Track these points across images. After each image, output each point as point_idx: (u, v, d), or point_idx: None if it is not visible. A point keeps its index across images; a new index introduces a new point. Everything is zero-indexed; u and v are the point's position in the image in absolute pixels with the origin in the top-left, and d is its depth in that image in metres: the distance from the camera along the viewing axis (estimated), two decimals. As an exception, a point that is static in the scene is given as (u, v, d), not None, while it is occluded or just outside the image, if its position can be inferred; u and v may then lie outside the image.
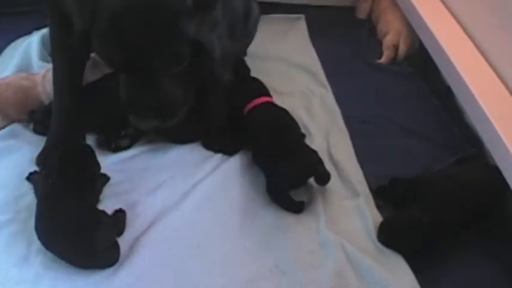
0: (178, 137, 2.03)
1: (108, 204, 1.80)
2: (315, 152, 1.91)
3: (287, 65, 2.49)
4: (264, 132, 1.99)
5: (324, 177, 1.87)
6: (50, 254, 1.63)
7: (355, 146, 2.08)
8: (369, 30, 2.87)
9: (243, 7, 1.58)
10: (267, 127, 2.00)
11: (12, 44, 2.50)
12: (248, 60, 2.38)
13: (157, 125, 1.67)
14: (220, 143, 2.04)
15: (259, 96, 2.10)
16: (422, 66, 2.57)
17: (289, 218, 1.80)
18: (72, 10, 1.57)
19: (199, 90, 1.94)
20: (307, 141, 2.06)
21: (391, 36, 2.67)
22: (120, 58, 1.52)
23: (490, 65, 2.06)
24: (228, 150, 2.02)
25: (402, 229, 1.73)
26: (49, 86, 2.02)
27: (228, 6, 1.53)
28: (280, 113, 2.07)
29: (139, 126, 1.70)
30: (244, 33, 1.63)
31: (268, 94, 2.14)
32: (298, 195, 1.86)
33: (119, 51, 1.50)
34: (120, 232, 1.70)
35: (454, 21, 2.34)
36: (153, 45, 1.49)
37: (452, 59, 2.10)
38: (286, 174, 1.84)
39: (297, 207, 1.83)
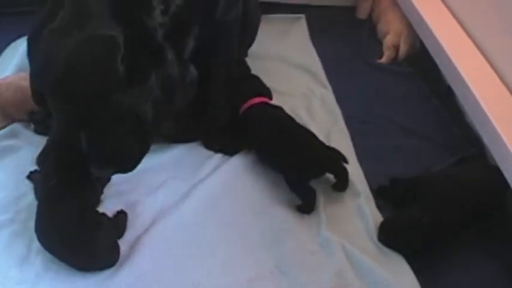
0: (178, 137, 2.02)
1: (108, 204, 1.80)
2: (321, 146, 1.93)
3: (287, 65, 2.49)
4: (264, 131, 2.00)
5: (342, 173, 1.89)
6: (50, 255, 1.63)
7: (355, 146, 2.08)
8: (369, 30, 2.87)
9: (179, 71, 1.57)
10: (266, 127, 2.00)
11: (13, 44, 2.49)
12: (248, 60, 2.39)
13: (115, 172, 1.69)
14: (221, 143, 2.04)
15: (255, 96, 2.09)
16: (422, 66, 2.57)
17: (290, 218, 1.80)
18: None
19: (200, 89, 1.96)
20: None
21: (391, 36, 2.67)
22: (63, 116, 1.53)
23: (491, 64, 2.05)
24: (228, 151, 2.02)
25: (402, 229, 1.74)
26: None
27: (164, 74, 1.52)
28: (276, 111, 2.06)
29: (99, 175, 1.71)
30: (182, 94, 1.63)
31: (267, 93, 2.13)
32: (296, 199, 1.87)
33: (61, 110, 1.52)
34: (121, 234, 1.70)
35: (454, 21, 2.34)
36: (91, 111, 1.49)
37: (453, 59, 2.10)
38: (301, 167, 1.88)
39: (312, 196, 1.85)
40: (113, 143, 1.54)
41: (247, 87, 2.14)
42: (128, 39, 1.43)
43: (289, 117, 2.04)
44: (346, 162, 1.89)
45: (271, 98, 2.13)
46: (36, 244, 1.64)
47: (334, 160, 1.89)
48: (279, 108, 2.07)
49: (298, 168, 1.88)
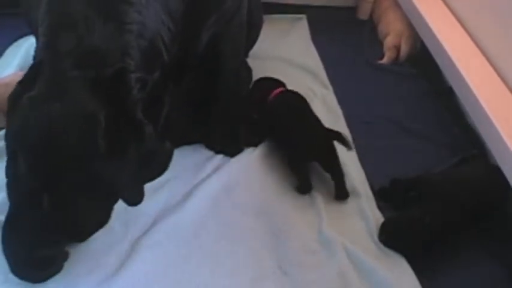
0: (180, 138, 2.03)
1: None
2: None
3: (288, 65, 2.49)
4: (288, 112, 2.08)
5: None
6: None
7: (356, 146, 2.07)
8: (370, 30, 2.88)
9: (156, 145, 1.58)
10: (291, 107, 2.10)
11: (15, 44, 2.50)
12: (249, 60, 2.39)
13: (66, 240, 1.64)
14: (222, 144, 2.05)
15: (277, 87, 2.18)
16: (424, 67, 2.57)
17: (291, 218, 1.81)
18: None
19: (204, 90, 2.00)
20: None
21: (392, 37, 2.67)
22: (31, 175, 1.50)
23: (492, 65, 2.06)
24: (228, 152, 2.03)
25: (403, 229, 1.74)
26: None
27: (143, 148, 1.52)
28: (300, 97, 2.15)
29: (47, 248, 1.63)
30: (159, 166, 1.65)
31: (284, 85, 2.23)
32: (300, 197, 1.90)
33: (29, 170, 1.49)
34: None
35: (455, 22, 2.35)
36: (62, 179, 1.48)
37: (454, 59, 2.10)
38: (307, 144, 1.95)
39: (309, 183, 1.92)
40: (74, 213, 1.53)
41: (267, 83, 2.22)
42: (107, 115, 1.43)
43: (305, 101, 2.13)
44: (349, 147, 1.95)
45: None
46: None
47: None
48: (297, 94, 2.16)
49: (303, 146, 1.95)
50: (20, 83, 1.55)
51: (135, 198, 1.60)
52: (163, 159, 1.66)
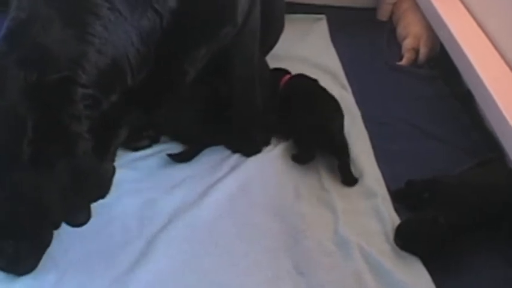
0: (197, 143, 2.05)
1: (127, 200, 1.82)
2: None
3: (307, 65, 2.48)
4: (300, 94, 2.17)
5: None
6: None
7: (374, 147, 2.09)
8: (390, 32, 2.87)
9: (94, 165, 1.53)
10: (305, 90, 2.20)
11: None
12: (268, 59, 2.39)
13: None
14: (239, 143, 2.05)
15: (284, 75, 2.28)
16: (443, 69, 2.56)
17: (307, 219, 1.81)
18: None
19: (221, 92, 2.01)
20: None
21: (410, 39, 2.67)
22: None
23: (511, 68, 2.04)
24: (245, 151, 2.04)
25: (419, 232, 1.73)
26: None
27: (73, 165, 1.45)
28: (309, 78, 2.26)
29: None
30: (95, 188, 1.59)
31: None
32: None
33: None
34: None
35: (475, 24, 2.33)
36: None
37: (473, 62, 2.09)
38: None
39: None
40: (10, 215, 1.49)
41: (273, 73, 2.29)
42: (38, 123, 1.38)
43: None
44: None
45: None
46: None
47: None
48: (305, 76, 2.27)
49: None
50: None
51: (75, 218, 1.56)
52: (100, 180, 1.58)
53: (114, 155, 1.65)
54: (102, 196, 1.60)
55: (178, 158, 1.98)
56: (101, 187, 1.59)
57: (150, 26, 1.56)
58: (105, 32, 1.46)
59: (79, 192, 1.50)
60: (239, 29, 1.85)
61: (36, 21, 1.41)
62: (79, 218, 1.56)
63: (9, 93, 1.39)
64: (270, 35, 2.24)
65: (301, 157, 2.01)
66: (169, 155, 1.98)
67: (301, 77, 2.27)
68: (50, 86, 1.39)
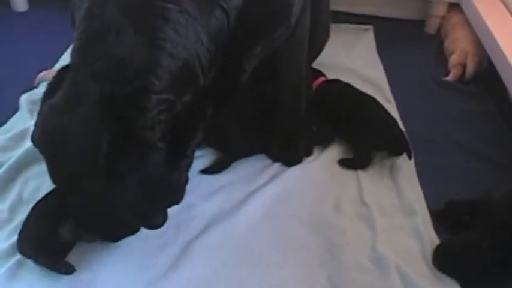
0: (239, 152, 2.05)
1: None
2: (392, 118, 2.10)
3: (352, 76, 2.46)
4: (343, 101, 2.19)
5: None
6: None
7: (416, 164, 2.05)
8: (438, 45, 2.84)
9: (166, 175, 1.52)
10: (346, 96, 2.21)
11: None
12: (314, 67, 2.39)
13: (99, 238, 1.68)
14: (280, 152, 2.04)
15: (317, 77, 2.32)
16: (490, 86, 2.52)
17: (346, 233, 1.79)
18: None
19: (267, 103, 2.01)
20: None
21: (457, 55, 2.64)
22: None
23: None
24: (286, 161, 2.03)
25: (459, 254, 1.70)
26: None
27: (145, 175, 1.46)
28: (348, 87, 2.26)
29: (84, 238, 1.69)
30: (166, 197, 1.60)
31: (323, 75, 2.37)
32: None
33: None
34: None
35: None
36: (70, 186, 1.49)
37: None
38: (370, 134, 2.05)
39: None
40: (91, 219, 1.55)
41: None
42: (113, 136, 1.38)
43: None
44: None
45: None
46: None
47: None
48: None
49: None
50: (48, 86, 1.54)
51: (150, 222, 1.58)
52: (172, 189, 1.58)
53: (192, 158, 1.63)
54: (176, 203, 1.61)
55: (211, 170, 1.98)
56: (174, 195, 1.60)
57: (218, 25, 1.57)
58: (176, 35, 1.46)
59: (151, 201, 1.51)
60: (290, 33, 1.85)
61: (110, 31, 1.41)
62: (155, 221, 1.58)
63: (84, 108, 1.39)
64: (315, 43, 2.22)
65: (358, 161, 2.01)
66: (203, 171, 1.99)
67: (334, 81, 2.29)
68: (124, 98, 1.39)
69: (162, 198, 1.55)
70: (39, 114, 1.51)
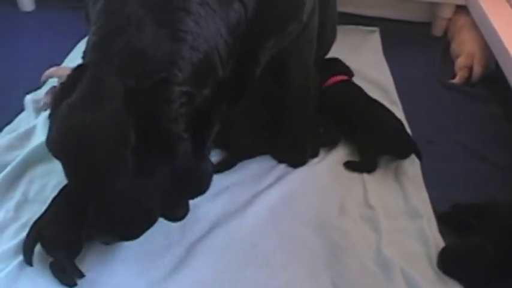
0: (244, 153, 2.03)
1: (169, 205, 1.81)
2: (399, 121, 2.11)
3: (358, 78, 2.44)
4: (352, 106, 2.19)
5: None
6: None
7: (422, 166, 2.05)
8: (444, 48, 2.83)
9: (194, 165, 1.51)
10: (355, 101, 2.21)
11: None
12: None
13: (117, 240, 1.65)
14: (287, 154, 2.04)
15: (334, 74, 2.30)
16: (497, 89, 2.51)
17: (351, 236, 1.78)
18: None
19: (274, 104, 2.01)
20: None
21: (463, 58, 2.63)
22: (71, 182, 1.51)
23: None
24: (292, 162, 2.02)
25: (463, 257, 1.70)
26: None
27: (175, 167, 1.45)
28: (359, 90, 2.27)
29: (99, 241, 1.66)
30: (195, 188, 1.60)
31: (345, 72, 2.36)
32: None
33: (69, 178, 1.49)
34: None
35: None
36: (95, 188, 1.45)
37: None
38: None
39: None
40: (116, 218, 1.50)
41: (327, 66, 2.31)
42: (139, 129, 1.37)
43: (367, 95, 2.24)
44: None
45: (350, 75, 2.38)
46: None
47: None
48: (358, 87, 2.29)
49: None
50: (62, 85, 1.51)
51: (174, 214, 1.59)
52: (200, 180, 1.59)
53: (209, 150, 1.64)
54: (202, 193, 1.61)
55: (216, 169, 1.96)
56: (201, 186, 1.60)
57: (236, 17, 1.58)
58: (197, 28, 1.46)
59: (179, 193, 1.53)
60: (300, 30, 1.86)
61: (130, 25, 1.41)
62: (178, 213, 1.59)
63: (109, 103, 1.38)
64: (322, 44, 2.22)
65: (364, 164, 2.01)
66: None
67: (346, 81, 2.31)
68: (148, 90, 1.39)
69: (190, 189, 1.56)
70: (53, 115, 1.48)
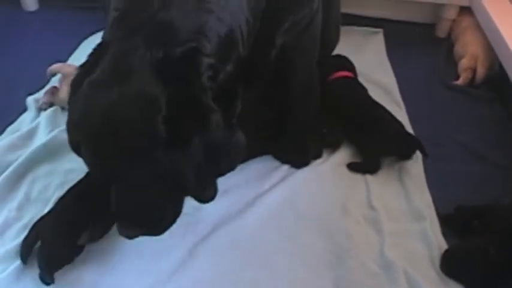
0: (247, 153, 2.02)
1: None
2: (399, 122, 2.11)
3: (361, 79, 2.44)
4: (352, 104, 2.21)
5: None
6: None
7: (425, 168, 2.05)
8: (448, 49, 2.82)
9: (225, 136, 1.45)
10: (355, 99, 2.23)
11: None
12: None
13: (141, 233, 1.54)
14: (289, 155, 2.04)
15: (340, 69, 2.32)
16: (500, 91, 2.51)
17: (354, 237, 1.78)
18: None
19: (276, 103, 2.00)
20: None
21: (466, 60, 2.62)
22: (95, 168, 1.45)
23: None
24: (295, 163, 2.02)
25: (466, 259, 1.69)
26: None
27: (208, 138, 1.39)
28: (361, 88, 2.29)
29: (123, 235, 1.55)
30: (227, 160, 1.53)
31: (350, 69, 2.37)
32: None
33: (93, 162, 1.43)
34: None
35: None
36: (125, 167, 1.38)
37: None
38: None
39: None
40: (145, 203, 1.44)
41: (334, 62, 2.34)
42: (171, 99, 1.33)
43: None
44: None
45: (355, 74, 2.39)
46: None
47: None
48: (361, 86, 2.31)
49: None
50: (81, 66, 1.46)
51: (205, 194, 1.54)
52: (233, 151, 1.53)
53: (236, 126, 1.58)
54: (233, 168, 1.57)
55: None
56: (234, 159, 1.56)
57: None
58: (223, 0, 1.46)
59: (213, 166, 1.47)
60: (305, 25, 1.86)
61: None
62: (207, 193, 1.54)
63: (137, 75, 1.33)
64: (326, 44, 2.21)
65: (367, 166, 2.02)
66: None
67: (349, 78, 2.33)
68: (178, 59, 1.36)
69: (224, 161, 1.51)
70: (73, 98, 1.43)
